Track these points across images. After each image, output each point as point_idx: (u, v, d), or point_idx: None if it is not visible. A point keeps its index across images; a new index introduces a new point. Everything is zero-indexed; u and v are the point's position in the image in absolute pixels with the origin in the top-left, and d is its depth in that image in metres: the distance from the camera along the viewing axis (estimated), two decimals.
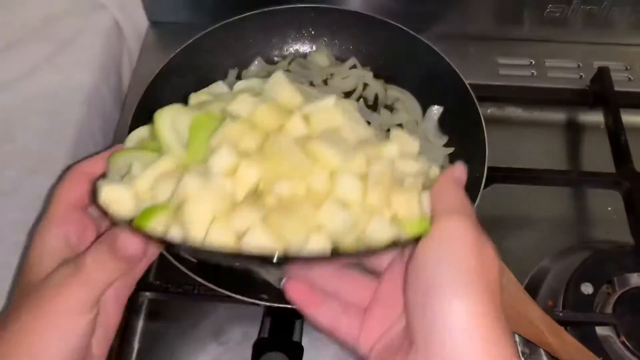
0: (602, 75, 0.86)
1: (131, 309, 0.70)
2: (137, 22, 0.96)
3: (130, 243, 0.40)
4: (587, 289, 0.68)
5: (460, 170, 0.44)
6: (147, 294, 0.68)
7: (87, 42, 0.86)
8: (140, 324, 0.72)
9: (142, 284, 0.67)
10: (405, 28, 0.81)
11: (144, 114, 0.73)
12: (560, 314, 0.65)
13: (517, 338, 0.71)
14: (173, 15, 0.95)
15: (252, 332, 0.70)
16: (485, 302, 0.36)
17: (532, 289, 0.73)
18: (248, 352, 0.62)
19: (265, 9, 0.83)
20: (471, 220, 0.40)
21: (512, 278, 0.63)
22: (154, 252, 0.48)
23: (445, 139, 0.78)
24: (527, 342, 0.70)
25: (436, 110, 0.79)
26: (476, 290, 0.36)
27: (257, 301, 0.60)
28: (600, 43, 0.95)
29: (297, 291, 0.46)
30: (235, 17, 0.82)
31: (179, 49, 0.79)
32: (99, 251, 0.42)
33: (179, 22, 0.94)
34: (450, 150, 0.76)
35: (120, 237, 0.40)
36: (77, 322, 0.41)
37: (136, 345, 0.70)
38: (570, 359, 0.58)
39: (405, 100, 0.80)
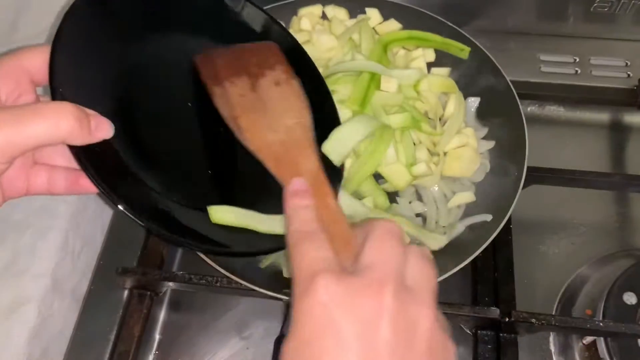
0: None
1: (154, 299, 0.69)
2: None
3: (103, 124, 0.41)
4: (629, 298, 0.64)
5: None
6: (170, 284, 0.67)
7: None
8: (162, 315, 0.71)
9: (165, 274, 0.66)
10: (445, 21, 0.78)
11: None
12: (601, 324, 0.61)
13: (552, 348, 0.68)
14: None
15: (274, 328, 0.68)
16: None
17: (570, 297, 0.70)
18: (270, 348, 0.61)
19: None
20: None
21: (304, 121, 0.52)
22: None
23: (485, 131, 0.74)
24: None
25: (473, 101, 0.76)
26: None
27: (280, 296, 0.58)
28: None
29: None
30: (267, 7, 0.80)
31: None
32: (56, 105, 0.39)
33: None
34: (491, 145, 0.73)
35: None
36: None
37: (157, 337, 0.69)
38: (324, 222, 0.43)
39: None
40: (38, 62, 0.43)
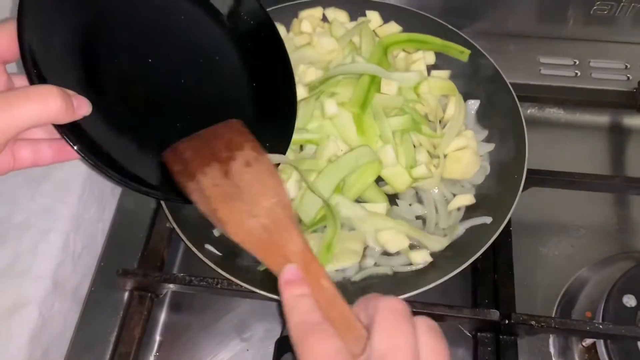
0: None
1: (154, 300, 0.69)
2: None
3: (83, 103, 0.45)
4: (629, 301, 0.64)
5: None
6: (171, 285, 0.67)
7: None
8: (162, 317, 0.71)
9: (165, 276, 0.66)
10: (445, 23, 0.78)
11: None
12: (600, 327, 0.61)
13: (552, 349, 0.68)
14: None
15: (275, 330, 0.68)
16: None
17: (569, 299, 0.70)
18: (270, 350, 0.61)
19: (297, 1, 0.82)
20: None
21: (283, 200, 0.48)
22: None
23: (485, 133, 0.75)
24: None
25: (473, 103, 0.76)
26: None
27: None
28: None
29: None
30: (268, 9, 0.80)
31: None
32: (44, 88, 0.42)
33: None
34: (491, 147, 0.73)
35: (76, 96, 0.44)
36: None
37: (158, 339, 0.69)
38: (321, 307, 0.42)
39: None
40: (4, 42, 0.45)
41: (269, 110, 0.64)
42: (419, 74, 0.74)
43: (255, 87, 0.64)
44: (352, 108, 0.69)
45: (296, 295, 0.41)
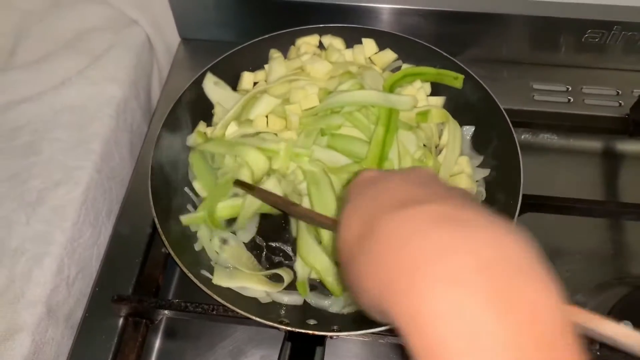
0: None
1: (149, 326, 0.68)
2: (168, 38, 0.96)
3: None
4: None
5: None
6: (166, 312, 0.66)
7: (119, 57, 0.87)
8: (157, 343, 0.70)
9: (161, 302, 0.66)
10: (440, 50, 0.79)
11: (171, 129, 0.73)
12: (598, 353, 0.61)
13: None
14: (204, 33, 0.95)
15: (271, 357, 0.68)
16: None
17: None
18: None
19: (294, 29, 0.82)
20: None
21: None
22: None
23: (480, 159, 0.75)
24: None
25: (468, 129, 0.77)
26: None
27: (277, 325, 0.58)
28: None
29: None
30: (265, 36, 0.81)
31: (207, 67, 0.78)
32: None
33: (210, 39, 0.95)
34: (486, 173, 0.73)
35: None
36: None
37: None
38: None
39: None
40: None
41: None
42: (412, 99, 0.75)
43: None
44: (370, 166, 0.69)
45: None
